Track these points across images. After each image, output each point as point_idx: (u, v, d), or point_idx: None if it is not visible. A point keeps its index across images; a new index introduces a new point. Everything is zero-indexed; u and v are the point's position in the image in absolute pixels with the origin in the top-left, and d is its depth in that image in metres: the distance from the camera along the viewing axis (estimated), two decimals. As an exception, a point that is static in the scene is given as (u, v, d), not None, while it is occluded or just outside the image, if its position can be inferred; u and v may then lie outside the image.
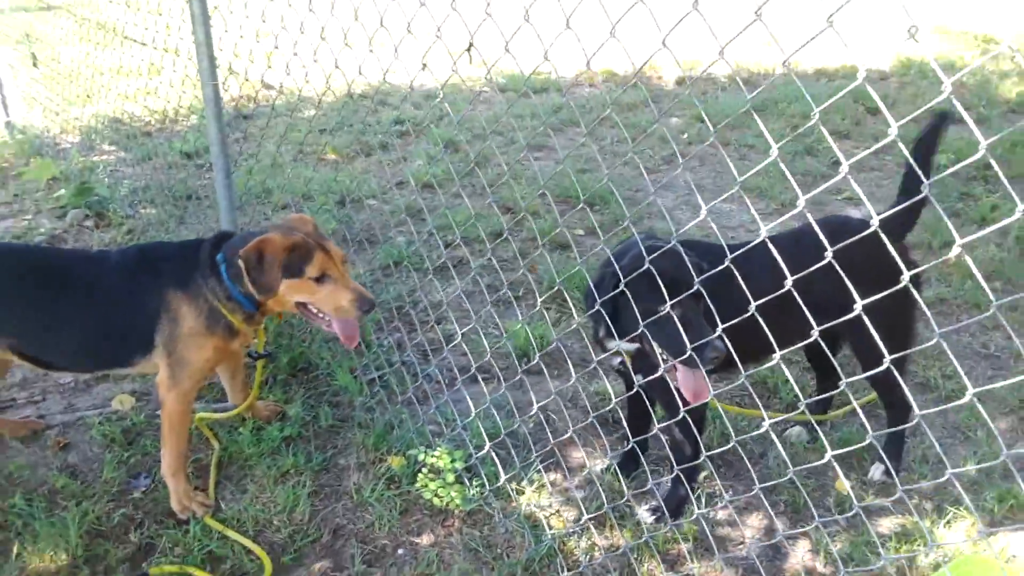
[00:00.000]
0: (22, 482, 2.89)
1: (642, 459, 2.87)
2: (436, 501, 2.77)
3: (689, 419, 2.38)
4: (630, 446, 2.87)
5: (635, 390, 2.44)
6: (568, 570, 2.53)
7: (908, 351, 2.62)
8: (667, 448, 2.92)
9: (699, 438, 2.59)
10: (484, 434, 2.83)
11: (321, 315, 2.65)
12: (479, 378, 3.00)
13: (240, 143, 6.83)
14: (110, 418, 3.22)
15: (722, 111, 7.38)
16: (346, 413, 3.31)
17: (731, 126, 7.19)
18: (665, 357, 2.32)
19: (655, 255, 2.10)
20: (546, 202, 5.58)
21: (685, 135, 7.04)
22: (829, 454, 1.73)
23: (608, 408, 2.57)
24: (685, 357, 2.16)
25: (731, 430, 2.24)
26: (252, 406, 3.17)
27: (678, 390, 2.32)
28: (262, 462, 2.97)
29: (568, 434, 2.52)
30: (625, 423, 2.96)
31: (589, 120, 7.35)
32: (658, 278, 2.09)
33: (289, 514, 2.75)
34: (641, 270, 2.16)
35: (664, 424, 2.58)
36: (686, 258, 2.09)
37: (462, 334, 3.08)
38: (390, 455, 3.00)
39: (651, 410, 2.80)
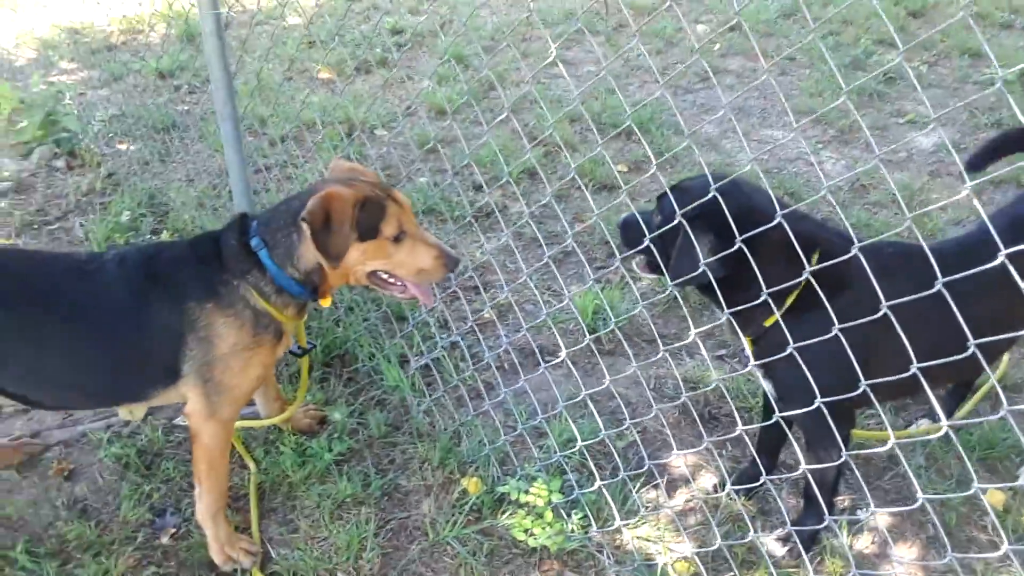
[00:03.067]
0: (23, 527, 2.38)
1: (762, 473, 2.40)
2: (531, 541, 2.32)
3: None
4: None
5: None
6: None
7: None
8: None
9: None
10: (589, 458, 2.36)
11: (397, 282, 2.14)
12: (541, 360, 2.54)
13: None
14: (120, 433, 2.69)
15: (755, 15, 6.69)
16: (399, 417, 2.82)
17: (765, 33, 6.54)
18: None
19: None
20: (578, 130, 4.97)
21: (717, 46, 6.36)
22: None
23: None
24: None
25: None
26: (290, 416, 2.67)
27: None
28: (311, 490, 2.48)
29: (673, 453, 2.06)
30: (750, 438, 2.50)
31: (607, 28, 6.63)
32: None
33: (355, 561, 2.29)
34: None
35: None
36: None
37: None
38: (463, 476, 2.54)
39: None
